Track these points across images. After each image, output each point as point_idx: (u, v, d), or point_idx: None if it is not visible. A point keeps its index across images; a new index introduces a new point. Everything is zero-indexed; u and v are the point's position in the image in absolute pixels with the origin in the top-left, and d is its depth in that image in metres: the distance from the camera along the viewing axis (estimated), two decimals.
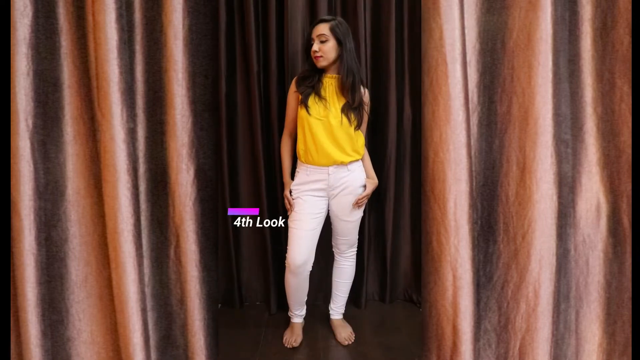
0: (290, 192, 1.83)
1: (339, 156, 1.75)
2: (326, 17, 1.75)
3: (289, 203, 1.82)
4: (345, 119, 1.74)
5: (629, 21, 1.29)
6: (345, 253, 1.96)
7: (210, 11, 1.36)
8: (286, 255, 1.79)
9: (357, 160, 1.81)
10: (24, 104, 1.29)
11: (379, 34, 2.10)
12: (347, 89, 1.73)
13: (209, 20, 1.36)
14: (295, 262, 1.75)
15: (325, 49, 1.70)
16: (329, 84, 1.77)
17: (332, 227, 1.91)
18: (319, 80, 1.77)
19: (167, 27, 1.31)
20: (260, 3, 2.03)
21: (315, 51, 1.70)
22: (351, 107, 1.74)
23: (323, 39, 1.70)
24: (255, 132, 2.08)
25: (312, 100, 1.75)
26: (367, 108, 1.83)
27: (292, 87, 1.82)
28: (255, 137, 2.09)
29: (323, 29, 1.70)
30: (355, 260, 2.00)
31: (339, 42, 1.71)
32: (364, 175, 1.84)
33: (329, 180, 1.77)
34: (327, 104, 1.74)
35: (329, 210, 1.85)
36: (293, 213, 1.80)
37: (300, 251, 1.76)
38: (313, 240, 1.79)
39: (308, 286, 1.88)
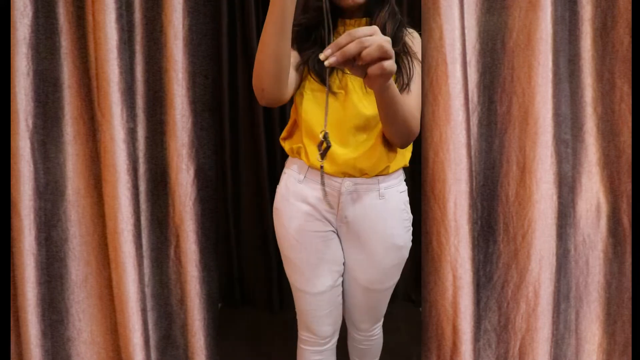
0: None
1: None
2: None
3: None
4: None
5: (629, 21, 1.29)
6: (367, 331, 1.38)
7: (210, 11, 1.36)
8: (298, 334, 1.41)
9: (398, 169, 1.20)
10: (24, 104, 1.29)
11: None
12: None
13: (209, 20, 1.36)
14: (319, 333, 1.31)
15: None
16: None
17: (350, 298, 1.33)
18: (333, 31, 1.13)
19: (167, 27, 1.31)
20: (260, 2, 2.03)
21: None
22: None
23: None
24: (257, 132, 2.08)
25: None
26: (417, 55, 1.16)
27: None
28: (257, 137, 2.09)
29: None
30: (381, 333, 1.42)
31: None
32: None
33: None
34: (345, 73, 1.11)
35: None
36: None
37: (324, 320, 1.29)
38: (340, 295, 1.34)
39: None
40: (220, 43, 2.01)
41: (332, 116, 1.09)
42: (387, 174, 1.16)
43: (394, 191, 1.21)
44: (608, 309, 1.38)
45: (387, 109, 1.00)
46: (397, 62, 1.10)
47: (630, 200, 1.32)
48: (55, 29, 1.32)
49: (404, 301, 2.33)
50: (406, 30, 1.19)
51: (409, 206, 1.23)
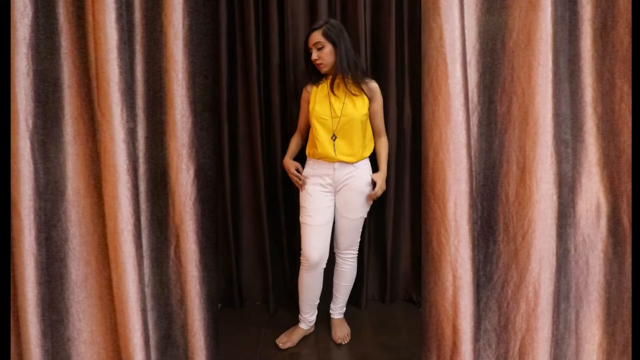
0: (298, 170, 1.90)
1: (343, 155, 1.79)
2: (317, 24, 1.77)
3: (295, 177, 1.88)
4: (351, 115, 1.75)
5: (629, 21, 1.29)
6: (344, 253, 1.96)
7: (210, 11, 1.36)
8: (301, 252, 1.83)
9: (363, 159, 1.84)
10: (24, 104, 1.29)
11: (379, 34, 2.10)
12: (350, 85, 1.76)
13: (209, 20, 1.36)
14: (312, 259, 1.80)
15: (323, 55, 1.74)
16: (335, 84, 1.81)
17: (335, 223, 1.91)
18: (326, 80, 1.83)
19: (167, 27, 1.31)
20: (260, 3, 2.03)
21: (316, 59, 1.75)
22: (356, 102, 1.77)
23: (319, 46, 1.74)
24: (255, 132, 2.08)
25: (319, 99, 1.80)
26: (377, 99, 1.83)
27: (304, 93, 1.90)
28: (255, 137, 2.09)
29: (317, 36, 1.74)
30: (355, 264, 2.00)
31: (334, 45, 1.74)
32: (369, 173, 1.87)
33: (334, 175, 1.81)
34: (332, 103, 1.79)
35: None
36: (303, 209, 1.85)
37: (316, 246, 1.80)
38: (326, 235, 1.84)
39: (321, 286, 1.92)
40: (219, 43, 2.01)
41: (322, 130, 1.81)
42: (357, 161, 1.84)
43: (362, 164, 1.85)
44: (608, 309, 1.38)
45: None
46: (359, 102, 1.81)
47: (630, 200, 1.32)
48: (55, 29, 1.32)
49: (404, 301, 2.32)
50: (365, 77, 1.85)
51: (371, 171, 1.88)
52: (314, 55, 1.75)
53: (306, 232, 1.82)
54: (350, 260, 1.97)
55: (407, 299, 2.34)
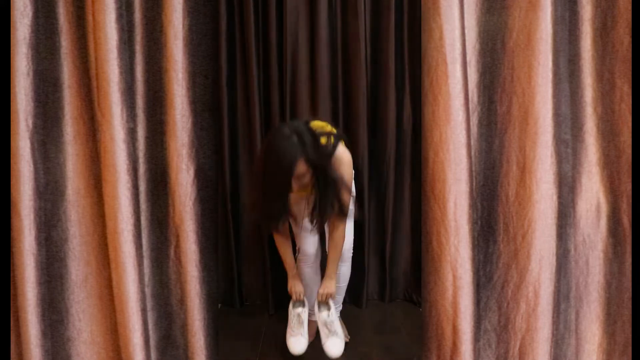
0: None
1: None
2: (299, 150, 1.45)
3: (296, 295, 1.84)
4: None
5: (629, 21, 1.29)
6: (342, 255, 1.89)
7: (210, 11, 1.36)
8: (297, 250, 1.89)
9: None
10: (24, 104, 1.29)
11: (379, 34, 2.10)
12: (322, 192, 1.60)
13: (209, 20, 1.36)
14: (307, 252, 1.87)
15: (305, 182, 1.55)
16: (305, 185, 1.59)
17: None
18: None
19: (167, 27, 1.31)
20: (260, 3, 2.03)
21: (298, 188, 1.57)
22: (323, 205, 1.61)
23: (302, 176, 1.51)
24: (255, 132, 2.08)
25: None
26: (338, 166, 1.58)
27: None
28: (255, 137, 2.09)
29: (301, 167, 1.47)
30: (350, 263, 1.94)
31: (314, 168, 1.50)
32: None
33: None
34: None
35: None
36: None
37: (311, 242, 1.86)
38: (316, 235, 1.87)
39: (320, 276, 1.95)
40: (219, 43, 2.01)
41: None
42: None
43: None
44: (608, 309, 1.38)
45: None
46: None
47: (630, 200, 1.32)
48: (55, 29, 1.32)
49: (404, 301, 2.33)
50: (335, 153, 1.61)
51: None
52: (295, 187, 1.53)
53: (298, 235, 1.86)
54: (347, 260, 1.92)
55: (407, 299, 2.34)
